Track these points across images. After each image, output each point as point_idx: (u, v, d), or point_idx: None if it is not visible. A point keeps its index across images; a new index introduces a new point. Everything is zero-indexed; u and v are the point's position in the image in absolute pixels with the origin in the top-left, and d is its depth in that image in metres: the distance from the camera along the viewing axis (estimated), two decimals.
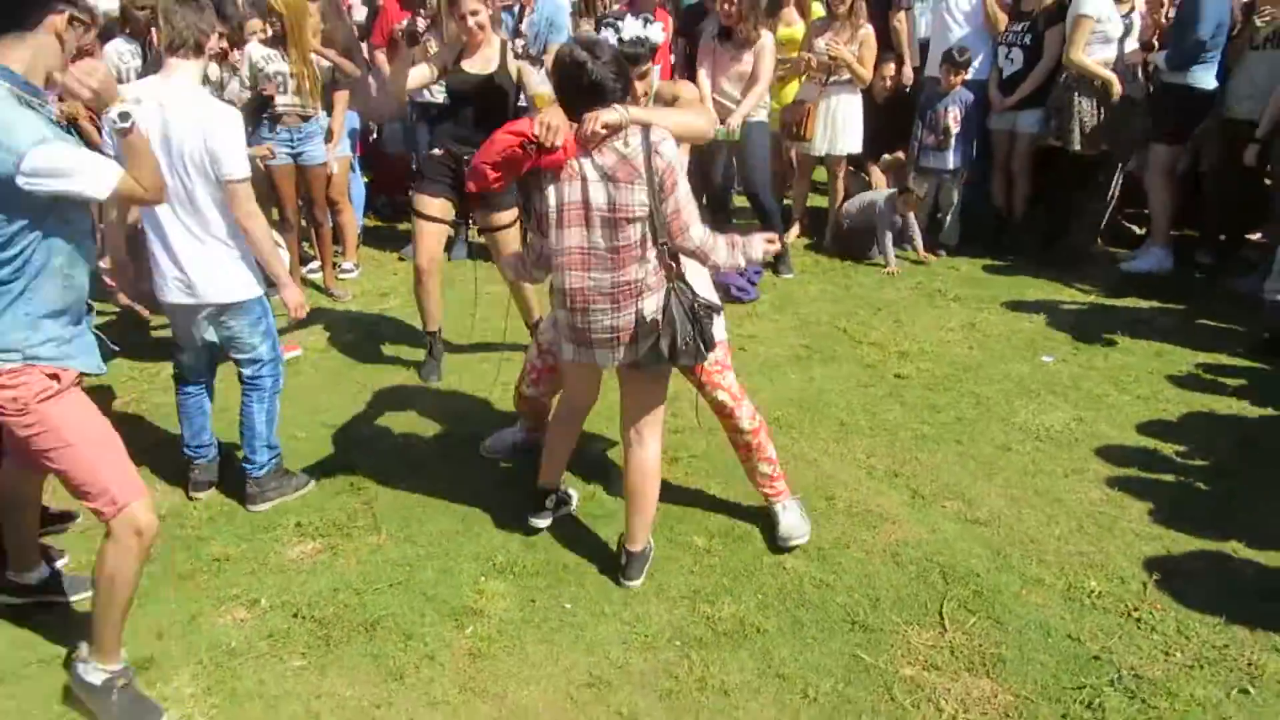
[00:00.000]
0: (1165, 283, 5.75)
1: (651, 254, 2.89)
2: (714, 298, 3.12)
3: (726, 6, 5.56)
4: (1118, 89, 5.68)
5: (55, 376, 2.50)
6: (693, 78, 5.82)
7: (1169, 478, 3.81)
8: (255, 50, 5.36)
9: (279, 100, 5.35)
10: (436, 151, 4.47)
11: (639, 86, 3.08)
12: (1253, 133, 5.39)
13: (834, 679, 2.76)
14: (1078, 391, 4.49)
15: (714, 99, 5.75)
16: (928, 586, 3.15)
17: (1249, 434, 4.11)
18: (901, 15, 6.75)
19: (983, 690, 2.73)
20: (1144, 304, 5.48)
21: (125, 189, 2.44)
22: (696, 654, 2.86)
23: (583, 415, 3.41)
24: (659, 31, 3.22)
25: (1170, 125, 5.70)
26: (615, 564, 3.23)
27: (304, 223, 6.13)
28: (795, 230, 6.69)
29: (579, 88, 2.79)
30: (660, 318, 2.89)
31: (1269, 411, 4.29)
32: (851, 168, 6.69)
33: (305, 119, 5.44)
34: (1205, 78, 5.51)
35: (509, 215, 4.52)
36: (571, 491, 3.61)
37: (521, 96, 4.38)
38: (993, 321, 5.31)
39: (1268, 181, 5.72)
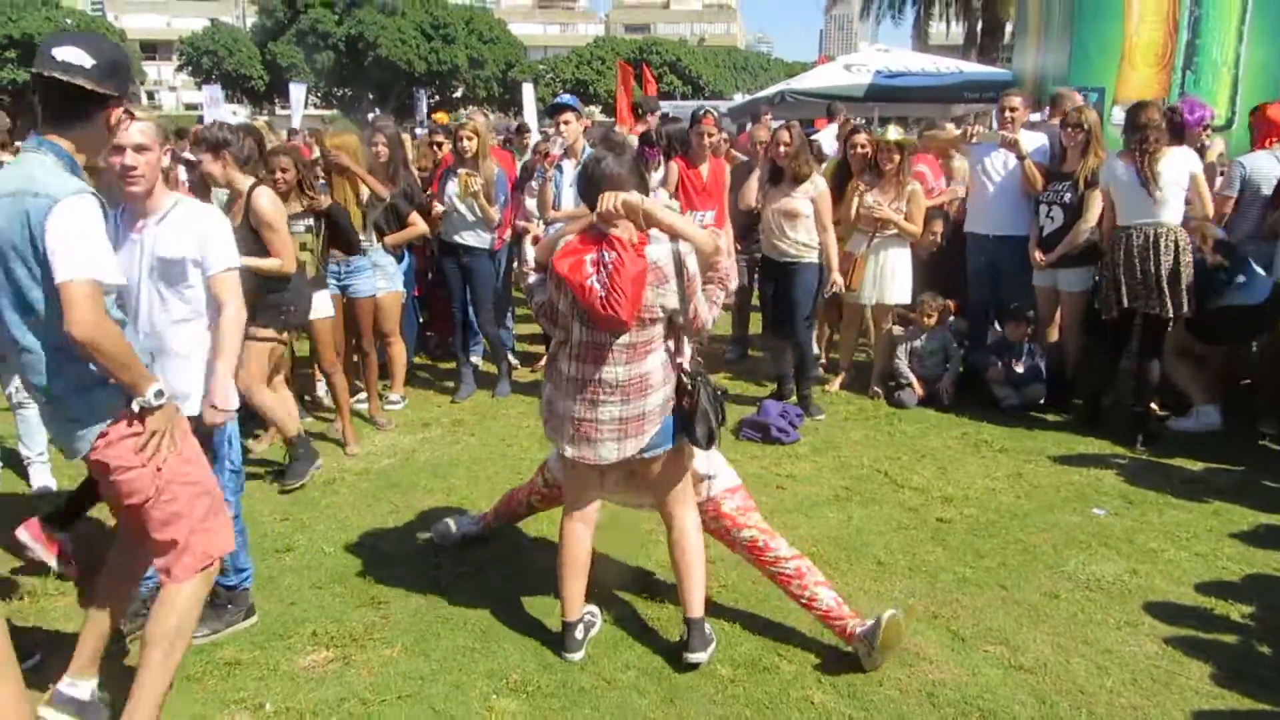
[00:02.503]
0: (1222, 444, 5.56)
1: (664, 350, 3.04)
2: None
3: (782, 149, 5.86)
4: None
5: None
6: None
7: (1230, 638, 3.56)
8: None
9: None
10: None
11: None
12: None
13: None
14: (1131, 545, 4.29)
15: (771, 242, 6.02)
16: None
17: None
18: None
19: None
20: (1199, 464, 5.29)
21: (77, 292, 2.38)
22: None
23: (588, 537, 3.35)
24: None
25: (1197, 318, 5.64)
26: (680, 644, 3.28)
27: (354, 357, 6.33)
28: (841, 379, 6.69)
29: (596, 181, 2.98)
30: (695, 409, 3.04)
31: None
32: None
33: (350, 254, 5.66)
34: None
35: (271, 333, 4.69)
36: (594, 608, 3.51)
37: None
38: (1040, 473, 5.16)
39: None
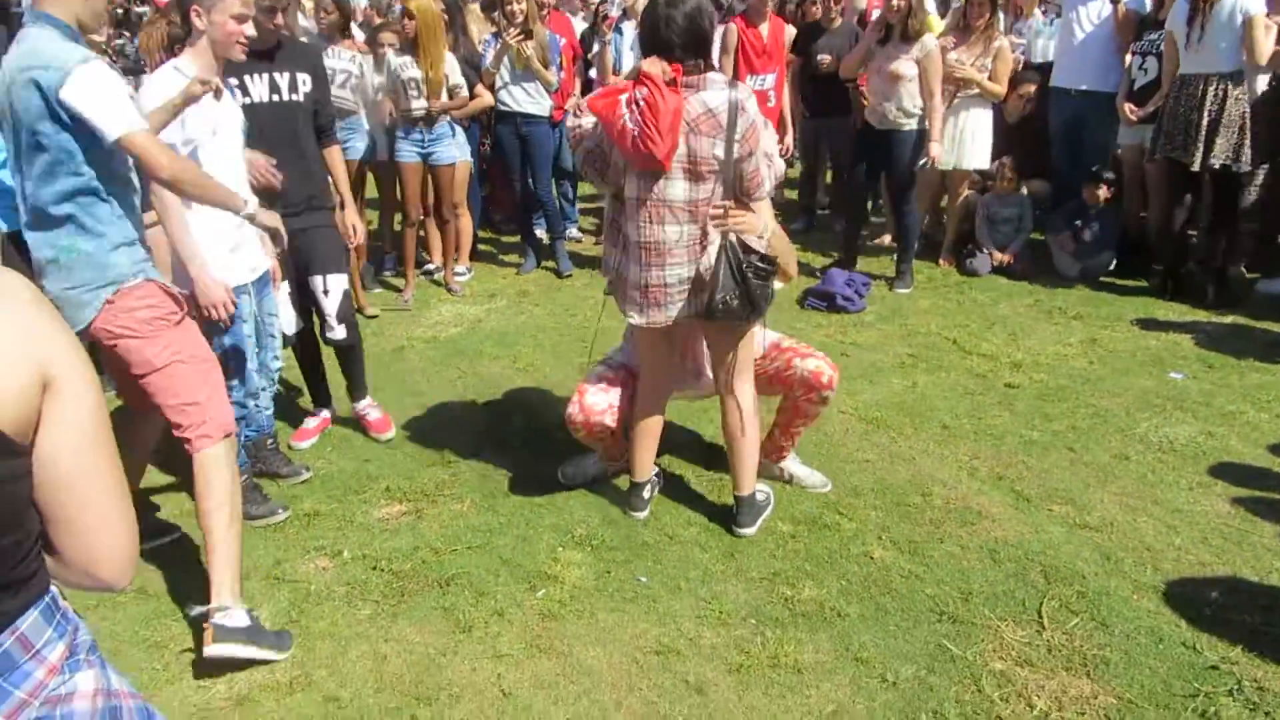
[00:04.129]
0: None
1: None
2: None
3: (894, 2, 5.38)
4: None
5: (173, 297, 2.67)
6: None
7: None
8: (393, 58, 5.56)
9: (412, 104, 5.54)
10: None
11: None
12: None
13: (916, 666, 2.60)
14: (1208, 408, 4.17)
15: (872, 106, 5.73)
16: (1026, 585, 2.95)
17: None
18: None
19: (1081, 690, 2.51)
20: None
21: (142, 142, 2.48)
22: (771, 632, 2.75)
23: (663, 401, 3.35)
24: None
25: None
26: (729, 515, 3.31)
27: (421, 231, 6.34)
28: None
29: (656, 33, 2.83)
30: (708, 275, 2.92)
31: None
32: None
33: (434, 121, 5.62)
34: None
35: None
36: (658, 470, 3.54)
37: None
38: (1117, 339, 5.01)
39: None
